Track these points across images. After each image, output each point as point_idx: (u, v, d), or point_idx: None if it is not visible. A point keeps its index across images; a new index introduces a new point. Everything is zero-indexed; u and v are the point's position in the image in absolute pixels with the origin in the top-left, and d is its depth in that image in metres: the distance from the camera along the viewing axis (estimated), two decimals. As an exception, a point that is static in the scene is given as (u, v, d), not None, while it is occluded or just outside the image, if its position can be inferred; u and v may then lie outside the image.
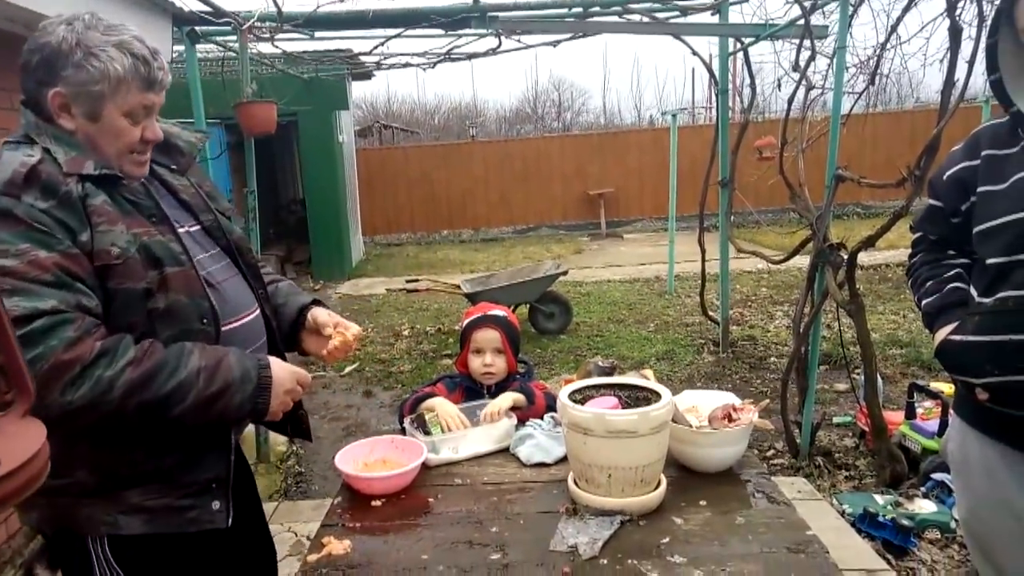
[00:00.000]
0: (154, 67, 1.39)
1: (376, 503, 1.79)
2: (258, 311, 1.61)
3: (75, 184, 1.32)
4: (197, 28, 4.39)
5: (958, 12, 2.89)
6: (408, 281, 7.27)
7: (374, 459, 1.97)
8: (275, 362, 1.48)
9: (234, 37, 4.67)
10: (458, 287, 6.89)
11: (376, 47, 5.41)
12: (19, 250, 1.23)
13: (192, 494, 1.45)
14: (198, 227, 1.56)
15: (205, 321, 1.42)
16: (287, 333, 1.73)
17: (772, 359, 5.64)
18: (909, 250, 1.78)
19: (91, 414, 1.26)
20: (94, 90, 1.34)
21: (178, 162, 1.60)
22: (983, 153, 1.49)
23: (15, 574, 2.94)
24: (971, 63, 2.87)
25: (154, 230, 1.41)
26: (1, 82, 3.15)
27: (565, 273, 6.98)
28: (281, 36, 4.72)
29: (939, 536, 2.94)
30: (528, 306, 6.74)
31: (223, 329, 1.47)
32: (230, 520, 1.50)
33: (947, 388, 3.84)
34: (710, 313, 6.27)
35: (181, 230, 1.48)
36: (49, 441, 1.33)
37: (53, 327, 1.22)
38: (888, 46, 3.78)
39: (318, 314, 1.72)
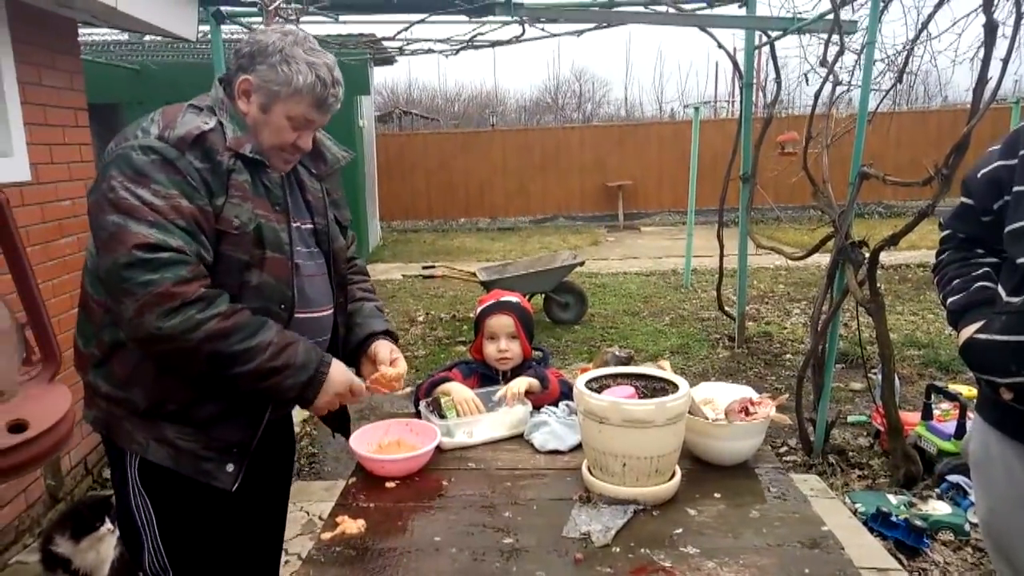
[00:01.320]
0: (329, 92, 1.59)
1: (390, 484, 1.80)
2: (331, 312, 1.77)
3: (229, 158, 1.53)
4: (223, 8, 4.41)
5: (994, 8, 2.83)
6: (424, 268, 7.29)
7: (388, 441, 1.98)
8: (337, 365, 1.63)
9: (259, 18, 4.68)
10: (474, 275, 6.90)
11: (399, 32, 5.40)
12: (169, 193, 1.45)
13: (215, 449, 1.61)
14: (310, 226, 1.74)
15: (283, 307, 1.60)
16: (351, 351, 1.86)
17: (788, 356, 5.60)
18: (931, 251, 1.76)
19: (170, 344, 1.43)
20: (274, 88, 1.55)
21: (319, 168, 1.79)
22: (1021, 152, 1.46)
23: (34, 542, 3.00)
24: (1006, 61, 2.82)
25: (273, 217, 1.59)
26: (31, 56, 3.18)
27: (582, 264, 6.96)
28: (306, 18, 4.72)
29: (952, 538, 2.92)
30: (543, 296, 6.74)
31: (296, 317, 1.64)
32: (235, 486, 1.63)
33: (965, 390, 3.80)
34: (726, 308, 6.24)
35: (294, 224, 1.66)
36: (123, 356, 1.51)
37: (174, 263, 1.42)
38: (918, 42, 3.73)
39: (379, 347, 1.84)
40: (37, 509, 3.15)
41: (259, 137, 1.59)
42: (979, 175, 1.58)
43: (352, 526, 1.60)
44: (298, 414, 3.64)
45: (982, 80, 2.96)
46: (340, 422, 1.93)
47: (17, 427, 0.81)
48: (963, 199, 1.64)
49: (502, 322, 2.27)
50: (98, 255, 1.48)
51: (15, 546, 2.98)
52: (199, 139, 1.50)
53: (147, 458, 1.59)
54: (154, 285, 1.39)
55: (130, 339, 1.48)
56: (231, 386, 1.53)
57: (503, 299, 2.35)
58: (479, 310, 2.37)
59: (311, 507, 3.37)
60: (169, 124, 1.51)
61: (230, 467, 1.62)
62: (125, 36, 7.78)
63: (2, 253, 1.00)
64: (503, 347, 2.26)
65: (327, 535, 1.58)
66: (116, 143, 1.52)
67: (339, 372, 1.63)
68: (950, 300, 1.60)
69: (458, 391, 2.13)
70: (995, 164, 1.54)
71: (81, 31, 3.83)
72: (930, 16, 3.52)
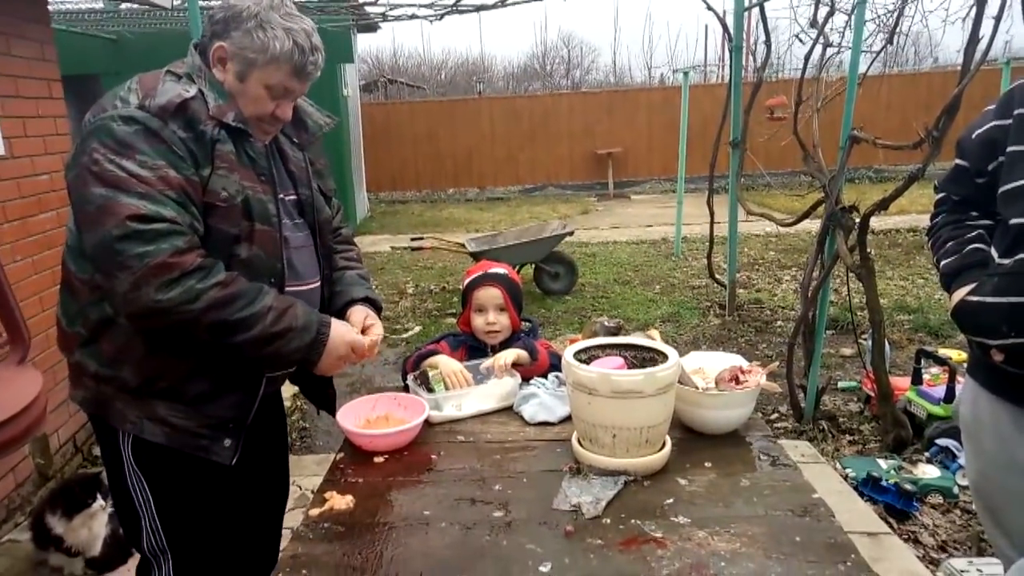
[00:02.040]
0: (308, 59, 1.53)
1: (379, 459, 1.79)
2: (318, 284, 1.74)
3: (212, 127, 1.48)
4: (198, -26, 4.27)
5: (987, -35, 2.77)
6: (413, 239, 7.22)
7: (377, 415, 1.96)
8: (337, 324, 1.60)
9: (237, -16, 4.55)
10: (463, 246, 6.84)
11: (382, -3, 5.28)
12: (155, 164, 1.41)
13: (210, 426, 1.58)
14: (294, 197, 1.70)
15: (273, 281, 1.57)
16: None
17: (778, 323, 5.61)
18: (922, 215, 1.74)
19: (171, 317, 1.40)
20: (249, 56, 1.50)
21: (301, 137, 1.74)
22: (1016, 112, 1.43)
23: (25, 520, 2.98)
24: (998, 19, 2.77)
25: (259, 188, 1.56)
26: (32, 33, 3.08)
27: (571, 233, 6.92)
28: (285, -16, 4.59)
29: (942, 501, 2.94)
30: (533, 266, 6.70)
31: (286, 290, 1.61)
32: (234, 460, 1.61)
33: (955, 355, 3.82)
34: (717, 276, 6.22)
35: (279, 195, 1.63)
36: (111, 334, 1.47)
37: (169, 233, 1.38)
38: (909, 2, 3.66)
39: (353, 314, 1.79)
40: (27, 488, 3.13)
41: (239, 106, 1.54)
42: (973, 136, 1.55)
43: (340, 502, 1.59)
44: (287, 388, 3.63)
45: (973, 40, 2.91)
46: (324, 399, 1.90)
47: (-17, 412, 0.78)
48: (957, 161, 1.62)
49: (490, 294, 2.24)
50: (82, 230, 1.44)
51: (6, 524, 2.97)
52: (181, 107, 1.45)
53: (142, 436, 1.56)
54: (150, 256, 1.36)
55: (125, 314, 1.44)
56: (233, 355, 1.51)
57: (491, 271, 2.32)
58: (466, 282, 2.34)
59: (303, 481, 3.36)
60: (149, 92, 1.46)
61: (227, 442, 1.60)
62: (100, 4, 7.59)
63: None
64: (491, 319, 2.23)
65: (315, 511, 1.57)
66: (93, 114, 1.47)
67: (340, 331, 1.60)
68: (943, 263, 1.58)
69: (446, 364, 2.11)
70: (989, 124, 1.51)
71: (54, 0, 3.71)
72: (922, -26, 3.45)
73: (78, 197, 1.44)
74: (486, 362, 2.12)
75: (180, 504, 1.64)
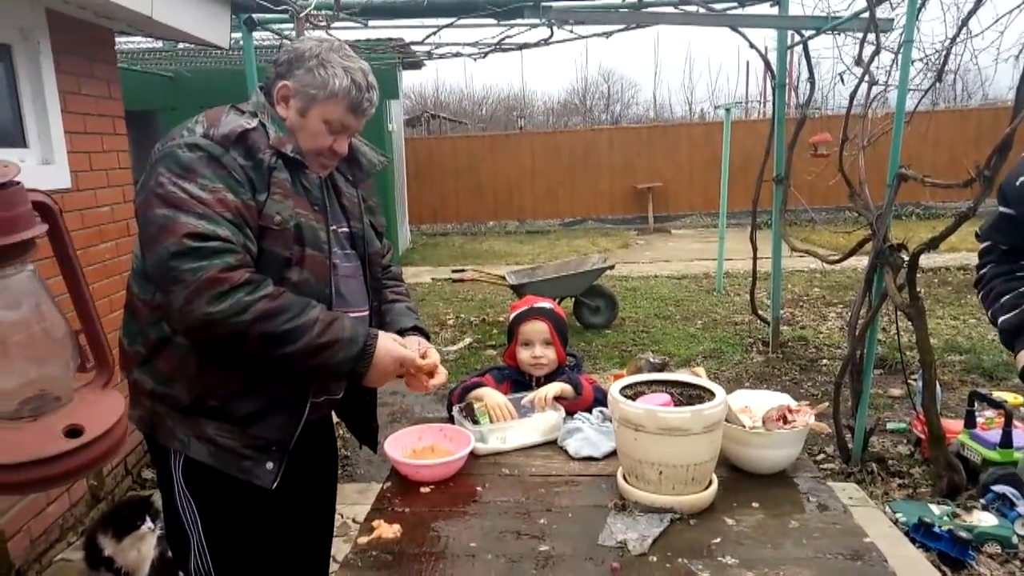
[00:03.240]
0: (364, 97, 1.64)
1: (424, 490, 1.80)
2: (367, 313, 1.80)
3: (270, 156, 1.58)
4: (254, 16, 4.47)
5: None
6: (454, 271, 7.30)
7: (422, 446, 1.98)
8: (384, 337, 1.65)
9: (290, 25, 4.73)
10: (503, 278, 6.89)
11: (428, 36, 5.43)
12: (214, 188, 1.50)
13: (254, 447, 1.62)
14: (346, 230, 1.78)
15: (323, 305, 1.60)
16: None
17: (824, 361, 5.50)
18: (971, 252, 1.70)
19: (223, 328, 1.46)
20: (311, 92, 1.61)
21: (355, 174, 1.84)
22: None
23: (78, 540, 3.06)
24: (1051, 58, 2.74)
25: (312, 216, 1.63)
26: (70, 66, 3.25)
27: (612, 267, 6.92)
28: (336, 24, 4.77)
29: (1000, 551, 2.83)
30: (573, 300, 6.71)
31: None
32: (275, 484, 1.64)
33: (1011, 397, 3.70)
34: (760, 312, 6.15)
35: (332, 227, 1.69)
36: (168, 352, 1.54)
37: (221, 251, 1.46)
38: (958, 40, 3.64)
39: (407, 343, 1.82)
40: (80, 508, 3.22)
41: (298, 140, 1.63)
42: (1017, 183, 1.52)
43: (388, 531, 1.60)
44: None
45: (1026, 78, 2.88)
46: (368, 434, 1.95)
47: (74, 432, 0.83)
48: (1001, 209, 1.58)
49: (536, 328, 2.26)
50: (145, 251, 1.52)
51: (59, 543, 3.05)
52: (242, 137, 1.55)
53: (189, 455, 1.61)
54: (203, 271, 1.43)
55: (181, 329, 1.51)
56: (281, 368, 1.55)
57: (537, 305, 2.34)
58: (512, 316, 2.36)
59: (344, 509, 3.38)
60: (213, 123, 1.57)
61: (269, 465, 1.63)
62: (159, 44, 7.94)
63: (55, 259, 1.03)
64: (538, 353, 2.25)
65: (363, 539, 1.58)
66: (163, 143, 1.57)
67: (387, 343, 1.64)
68: (1001, 319, 1.54)
69: (491, 396, 2.12)
70: None
71: (117, 40, 3.91)
72: (971, 13, 3.43)
73: (143, 219, 1.52)
74: (528, 395, 2.13)
75: (226, 527, 1.67)
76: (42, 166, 3.09)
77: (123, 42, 7.60)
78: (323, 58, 1.60)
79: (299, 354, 1.51)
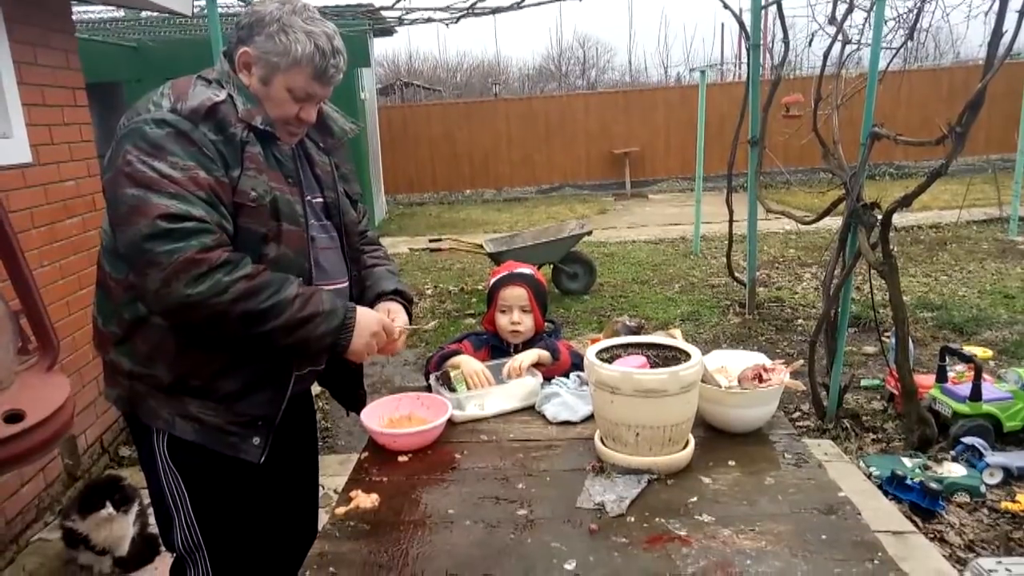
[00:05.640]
0: (329, 63, 1.56)
1: (403, 458, 1.80)
2: (346, 284, 1.78)
3: (242, 129, 1.52)
4: (218, -19, 4.33)
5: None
6: (431, 241, 7.26)
7: (400, 415, 1.97)
8: (362, 309, 1.64)
9: (256, -10, 4.60)
10: (481, 247, 6.86)
11: (398, 1, 5.31)
12: (186, 165, 1.44)
13: (239, 424, 1.61)
14: (320, 200, 1.73)
15: (301, 279, 1.58)
16: None
17: (799, 321, 5.57)
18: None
19: (202, 310, 1.43)
20: (272, 60, 1.54)
21: (326, 142, 1.78)
22: None
23: (55, 520, 3.03)
24: (1022, 13, 2.73)
25: (287, 189, 1.59)
26: (25, 36, 3.13)
27: (589, 233, 6.92)
28: (303, -11, 4.63)
29: (968, 500, 2.91)
30: (552, 266, 6.71)
31: None
32: (262, 458, 1.64)
33: (980, 352, 3.77)
34: (736, 274, 6.19)
35: (306, 198, 1.66)
36: (145, 333, 1.50)
37: (197, 231, 1.42)
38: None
39: (379, 306, 1.82)
40: (56, 488, 3.19)
41: (265, 109, 1.57)
42: None
43: (366, 500, 1.60)
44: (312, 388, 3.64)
45: (997, 34, 2.88)
46: (354, 399, 1.94)
47: (13, 417, 0.80)
48: None
49: (515, 294, 2.25)
50: (116, 230, 1.47)
51: (36, 524, 3.02)
52: (211, 111, 1.49)
53: (174, 434, 1.59)
54: (179, 253, 1.39)
55: (158, 311, 1.48)
56: (264, 345, 1.53)
57: (517, 271, 2.32)
58: (492, 281, 2.34)
59: (326, 480, 3.37)
60: (180, 97, 1.50)
61: (256, 440, 1.63)
62: (121, 13, 7.70)
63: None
64: (516, 319, 2.24)
65: (341, 510, 1.58)
66: (127, 118, 1.51)
67: (366, 315, 1.63)
68: None
69: (467, 363, 2.12)
70: None
71: (75, 9, 3.77)
72: (944, -31, 3.41)
73: (112, 198, 1.47)
74: (508, 364, 2.12)
75: (215, 500, 1.67)
76: (0, 140, 3.00)
77: (83, 11, 7.36)
78: (284, 22, 1.52)
79: (280, 330, 1.49)
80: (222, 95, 1.52)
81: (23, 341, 0.87)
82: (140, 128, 1.46)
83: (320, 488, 3.29)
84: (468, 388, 2.05)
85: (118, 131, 1.50)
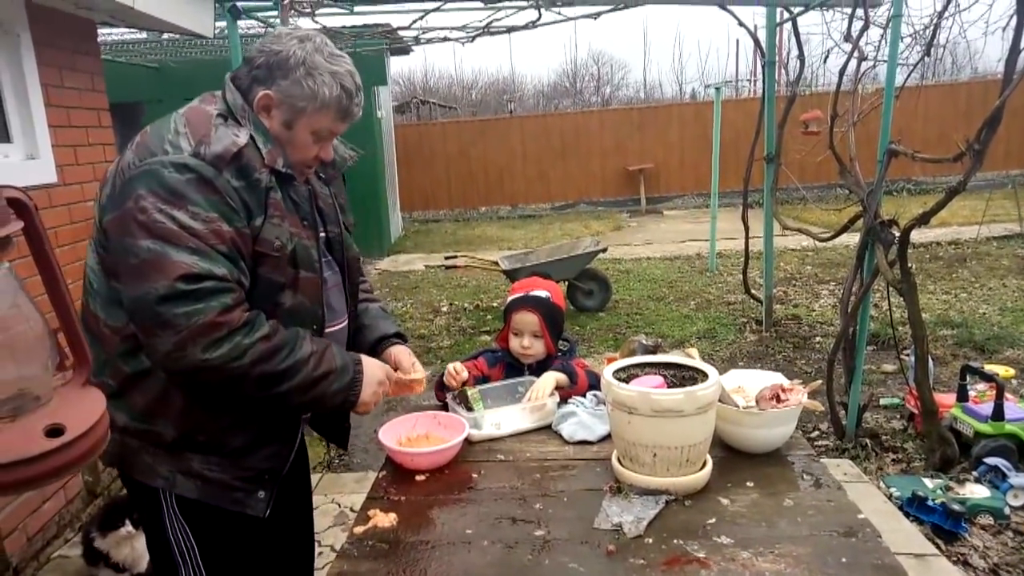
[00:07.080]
0: (353, 103, 1.51)
1: (420, 477, 1.80)
2: (347, 322, 1.75)
3: (266, 175, 1.44)
4: (239, 3, 4.41)
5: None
6: (447, 258, 7.29)
7: (417, 434, 1.98)
8: (368, 360, 1.62)
9: (275, 12, 4.68)
10: (496, 264, 6.88)
11: (415, 21, 5.37)
12: (208, 216, 1.35)
13: (245, 479, 1.56)
14: (324, 235, 1.66)
15: (315, 327, 1.57)
16: (363, 352, 1.80)
17: (817, 339, 5.53)
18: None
19: (219, 373, 1.36)
20: (299, 105, 1.46)
21: (327, 172, 1.71)
22: None
23: (75, 537, 3.06)
24: (1039, 30, 2.73)
25: (304, 233, 1.53)
26: (52, 59, 3.20)
27: (604, 250, 6.92)
28: (321, 11, 4.71)
29: (992, 522, 2.86)
30: (567, 283, 6.71)
31: (324, 332, 1.61)
32: (267, 512, 1.59)
33: (1002, 370, 3.72)
34: (753, 292, 6.16)
35: (320, 236, 1.60)
36: (146, 386, 1.43)
37: (218, 291, 1.34)
38: (947, 13, 3.62)
39: (400, 354, 1.84)
40: (76, 505, 3.22)
41: (285, 152, 1.51)
42: None
43: (384, 519, 1.60)
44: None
45: (1015, 49, 2.87)
46: (339, 432, 1.91)
47: (54, 431, 0.82)
48: None
49: (527, 319, 2.24)
50: (123, 281, 1.36)
51: (56, 540, 3.05)
52: (236, 156, 1.40)
53: (175, 492, 1.52)
54: (199, 315, 1.31)
55: (168, 371, 1.39)
56: (277, 404, 1.48)
57: (532, 293, 2.30)
58: (508, 300, 2.34)
59: (342, 499, 3.40)
60: (203, 139, 1.39)
61: (261, 494, 1.57)
62: (143, 35, 7.85)
63: (32, 257, 1.01)
64: (526, 344, 2.24)
65: (359, 528, 1.58)
66: (139, 157, 1.39)
67: (371, 364, 1.62)
68: None
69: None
70: None
71: (99, 31, 3.86)
72: (959, -14, 3.40)
73: (120, 245, 1.35)
74: (528, 392, 2.10)
75: (223, 554, 1.60)
76: (27, 161, 3.06)
77: (107, 33, 7.51)
78: (309, 65, 1.44)
79: (296, 389, 1.45)
80: (244, 137, 1.42)
81: (60, 356, 0.89)
82: (157, 171, 1.34)
83: (336, 506, 3.32)
84: (485, 407, 2.05)
85: (127, 168, 1.38)
